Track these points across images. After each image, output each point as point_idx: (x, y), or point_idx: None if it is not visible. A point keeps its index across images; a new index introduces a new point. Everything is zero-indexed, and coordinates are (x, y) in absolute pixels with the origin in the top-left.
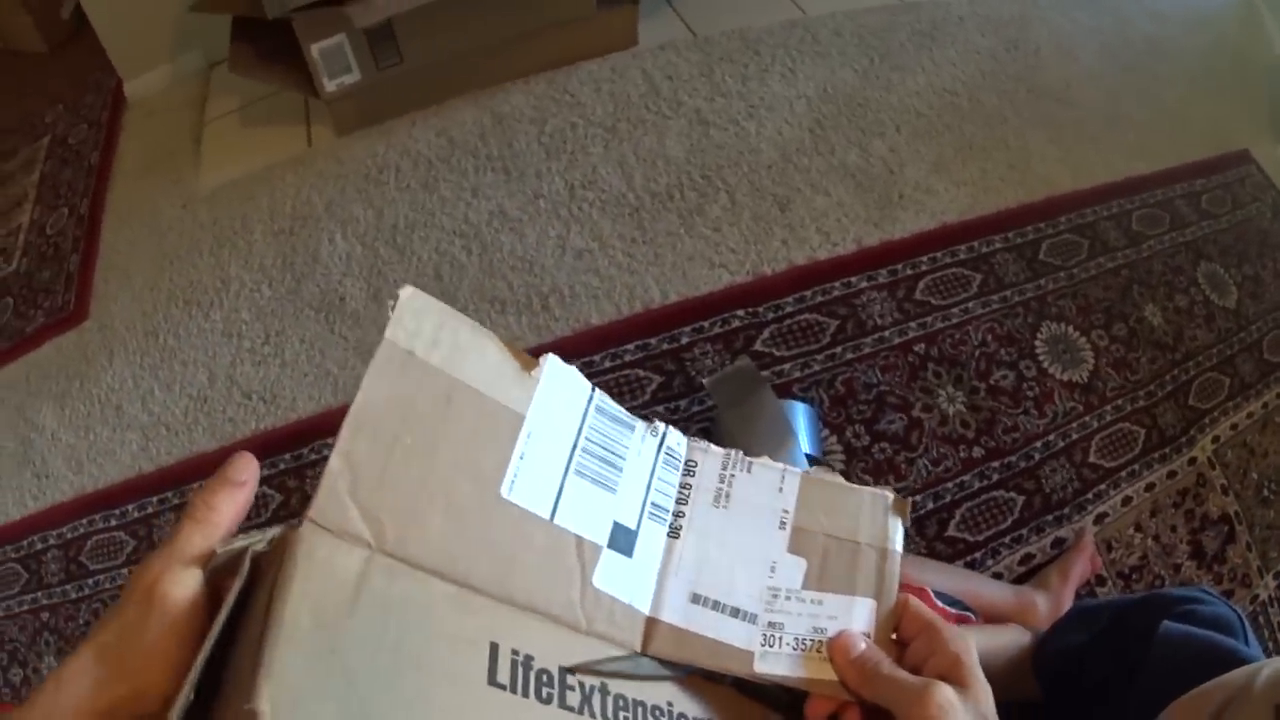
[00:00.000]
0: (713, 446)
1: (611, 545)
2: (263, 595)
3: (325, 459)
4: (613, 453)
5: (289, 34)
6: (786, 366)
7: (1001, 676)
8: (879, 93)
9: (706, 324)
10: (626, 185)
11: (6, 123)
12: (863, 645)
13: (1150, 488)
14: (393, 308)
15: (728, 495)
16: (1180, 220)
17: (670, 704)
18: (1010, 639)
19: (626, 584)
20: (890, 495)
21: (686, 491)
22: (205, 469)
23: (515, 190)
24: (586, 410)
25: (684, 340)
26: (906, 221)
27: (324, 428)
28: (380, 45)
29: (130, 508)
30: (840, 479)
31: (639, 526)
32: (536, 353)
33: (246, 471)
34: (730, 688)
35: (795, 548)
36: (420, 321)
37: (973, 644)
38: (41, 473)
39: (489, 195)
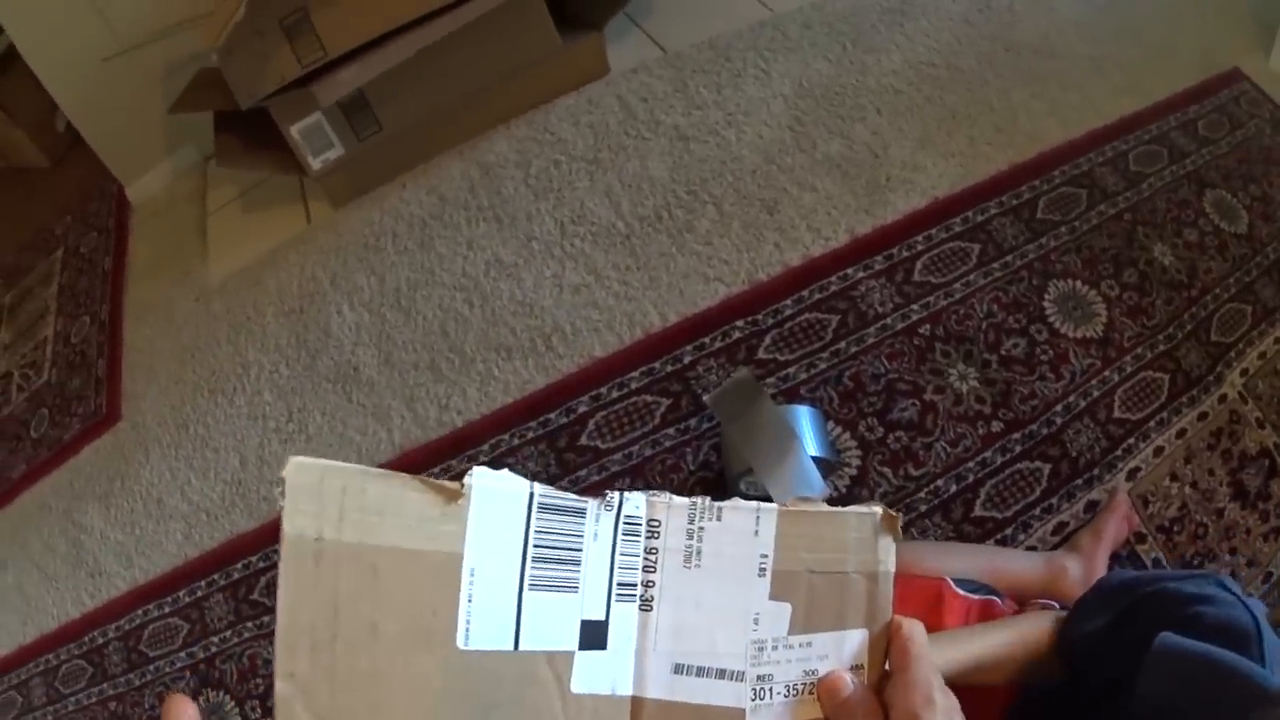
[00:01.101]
0: (675, 499)
1: (584, 646)
2: None
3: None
4: (567, 549)
5: (269, 119)
6: (792, 370)
7: (1031, 669)
8: (855, 78)
9: (707, 340)
10: (615, 214)
11: (20, 239)
12: (849, 690)
13: (1182, 434)
14: (281, 494)
15: (699, 551)
16: (1179, 152)
17: None
18: (1036, 628)
19: (605, 677)
20: (879, 511)
21: (654, 557)
22: (246, 549)
23: (508, 236)
24: (529, 514)
25: (687, 359)
26: (897, 203)
27: None
28: (357, 116)
29: (181, 594)
30: (823, 505)
31: (609, 614)
32: (548, 395)
33: (184, 716)
34: None
35: (778, 593)
36: (320, 498)
37: (939, 702)
38: (95, 571)
39: (483, 245)
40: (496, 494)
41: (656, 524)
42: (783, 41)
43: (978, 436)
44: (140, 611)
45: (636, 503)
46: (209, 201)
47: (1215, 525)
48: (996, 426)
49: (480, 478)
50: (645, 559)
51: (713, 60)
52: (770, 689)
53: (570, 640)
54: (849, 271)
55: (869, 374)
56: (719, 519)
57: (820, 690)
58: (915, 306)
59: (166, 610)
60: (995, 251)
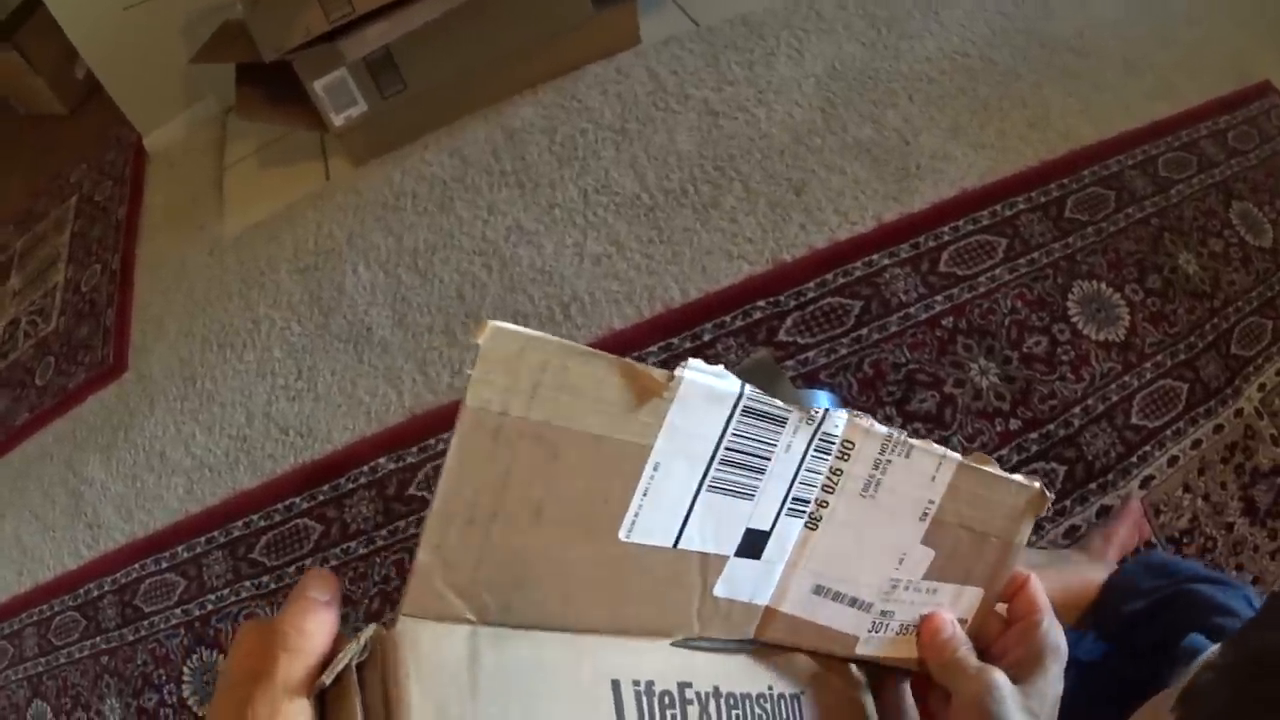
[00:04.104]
0: (876, 425)
1: (739, 553)
2: (376, 706)
3: (363, 487)
4: (757, 456)
5: (292, 74)
6: (812, 354)
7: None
8: (888, 63)
9: (728, 318)
10: (640, 186)
11: (35, 185)
12: (950, 629)
13: (1197, 445)
14: (473, 362)
15: (878, 484)
16: (1208, 160)
17: (770, 688)
18: (1081, 582)
19: (749, 585)
20: (1036, 487)
21: (836, 477)
22: (249, 506)
23: (530, 203)
24: (731, 415)
25: (706, 337)
26: (926, 192)
27: (360, 457)
28: (382, 74)
29: (180, 549)
30: (995, 466)
31: (774, 526)
32: None
33: (330, 589)
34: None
35: (928, 539)
36: (514, 371)
37: (1064, 649)
38: (93, 523)
39: (505, 210)
40: (705, 391)
41: (850, 446)
42: (817, 22)
43: (995, 433)
44: (137, 566)
45: (838, 421)
46: (227, 154)
47: (1224, 539)
48: (1014, 424)
49: (693, 371)
50: (828, 478)
51: (745, 36)
52: (887, 624)
53: (729, 546)
54: (874, 258)
55: (889, 363)
56: (907, 456)
57: (923, 627)
58: (939, 298)
59: (164, 566)
60: (1022, 247)
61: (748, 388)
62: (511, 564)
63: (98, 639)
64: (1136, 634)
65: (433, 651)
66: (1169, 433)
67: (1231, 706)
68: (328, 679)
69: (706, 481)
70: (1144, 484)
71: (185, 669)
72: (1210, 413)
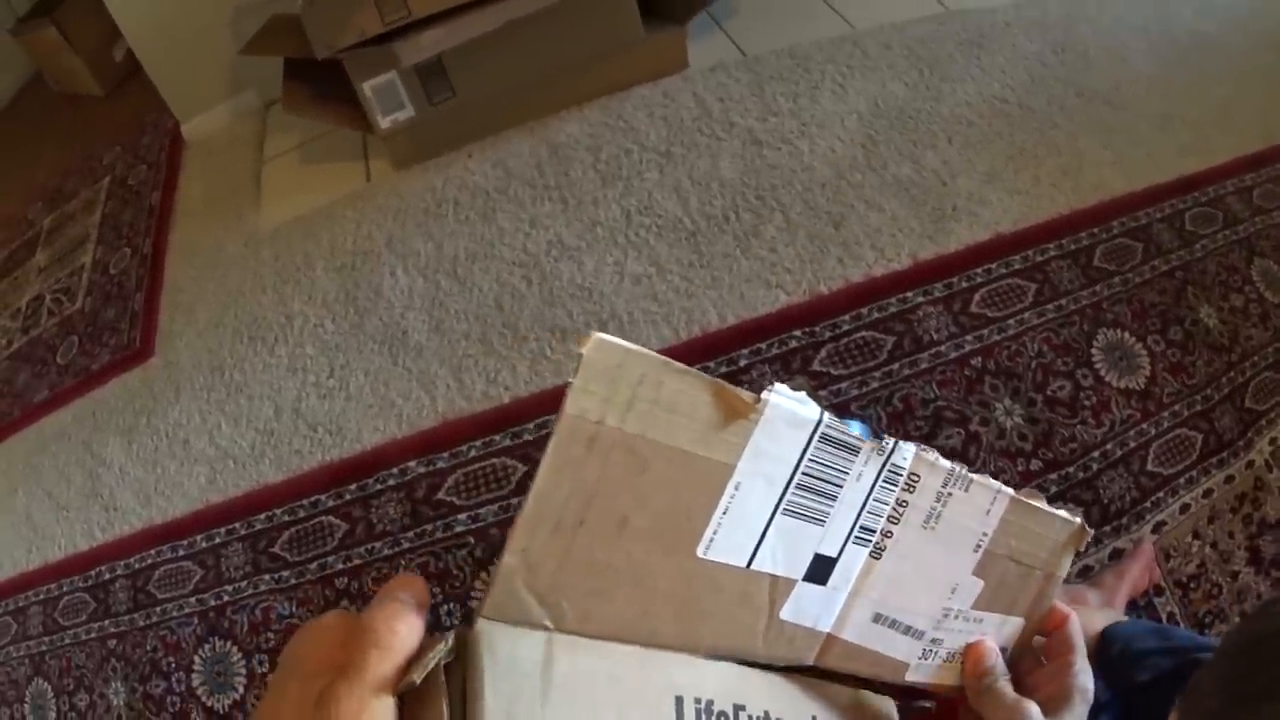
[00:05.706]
0: (940, 460)
1: (807, 578)
2: (454, 705)
3: (392, 489)
4: (830, 483)
5: (341, 72)
6: (844, 385)
7: None
8: (929, 104)
9: (764, 345)
10: (682, 209)
11: (67, 165)
12: (992, 660)
13: (1208, 494)
14: (575, 371)
15: (939, 516)
16: (1233, 217)
17: (814, 717)
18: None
19: (813, 611)
20: (1078, 522)
21: (902, 509)
22: (273, 500)
23: (573, 219)
24: (810, 441)
25: (742, 362)
26: (961, 233)
27: (389, 459)
28: (432, 80)
29: (198, 538)
30: (1043, 502)
31: (841, 553)
32: None
33: (419, 595)
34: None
35: (979, 570)
36: (613, 382)
37: (1091, 692)
38: (109, 505)
39: (547, 225)
40: (788, 415)
41: (915, 479)
42: (861, 59)
43: (1016, 473)
44: (153, 551)
45: (906, 454)
46: (267, 147)
47: (1229, 587)
48: (1035, 465)
49: (778, 395)
50: (894, 509)
51: (791, 69)
52: (936, 651)
53: (798, 570)
54: (909, 295)
55: (919, 398)
56: (966, 490)
57: (967, 654)
58: (969, 337)
59: (180, 553)
60: (1051, 293)
61: (826, 415)
62: (592, 573)
63: (106, 622)
64: (1148, 700)
65: (508, 654)
66: (1182, 480)
67: (1223, 699)
68: (418, 677)
69: (782, 504)
70: (1156, 529)
71: (196, 658)
72: (1223, 463)
